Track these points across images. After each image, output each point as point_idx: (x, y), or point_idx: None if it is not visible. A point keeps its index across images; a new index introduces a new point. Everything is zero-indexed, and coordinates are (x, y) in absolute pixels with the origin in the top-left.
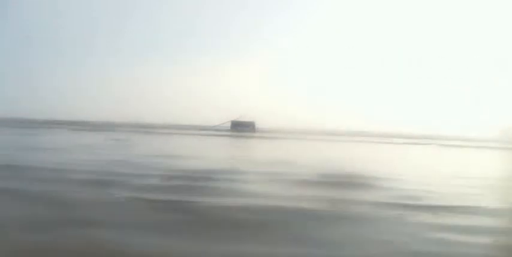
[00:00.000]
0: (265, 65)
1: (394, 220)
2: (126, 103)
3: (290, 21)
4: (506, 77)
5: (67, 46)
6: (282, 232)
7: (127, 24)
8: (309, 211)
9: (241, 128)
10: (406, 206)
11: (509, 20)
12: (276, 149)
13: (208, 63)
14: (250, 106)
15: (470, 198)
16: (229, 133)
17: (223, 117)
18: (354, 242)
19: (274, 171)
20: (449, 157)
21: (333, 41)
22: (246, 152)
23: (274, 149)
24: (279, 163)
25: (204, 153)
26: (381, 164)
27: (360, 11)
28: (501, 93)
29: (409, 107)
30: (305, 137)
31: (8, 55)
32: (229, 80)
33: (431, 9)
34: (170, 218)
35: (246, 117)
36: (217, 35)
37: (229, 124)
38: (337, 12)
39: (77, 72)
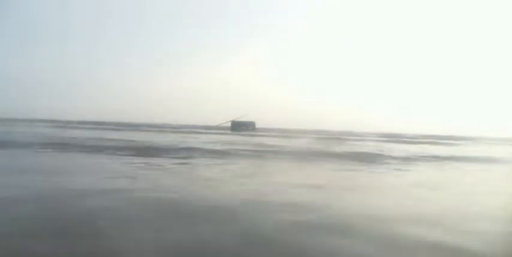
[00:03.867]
0: (264, 65)
1: None
2: (122, 103)
3: (290, 20)
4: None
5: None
6: None
7: (121, 23)
8: None
9: (241, 128)
10: None
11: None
12: None
13: (207, 63)
14: (250, 106)
15: None
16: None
17: (223, 117)
18: None
19: None
20: None
21: (334, 39)
22: None
23: None
24: None
25: None
26: None
27: (361, 8)
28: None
29: (411, 106)
30: (317, 146)
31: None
32: (229, 80)
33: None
34: None
35: (246, 117)
36: (215, 34)
37: (228, 124)
38: (338, 9)
39: (74, 69)
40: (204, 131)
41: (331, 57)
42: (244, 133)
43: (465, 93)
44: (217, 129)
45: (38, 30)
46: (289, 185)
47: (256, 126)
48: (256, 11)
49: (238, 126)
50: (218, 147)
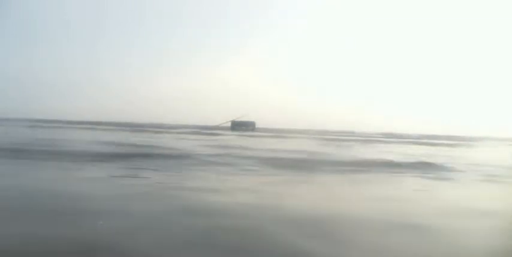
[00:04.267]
0: (264, 65)
1: None
2: (122, 103)
3: (290, 20)
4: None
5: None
6: None
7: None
8: None
9: (241, 128)
10: None
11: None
12: None
13: (207, 63)
14: (250, 106)
15: None
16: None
17: (223, 117)
18: None
19: None
20: None
21: (334, 39)
22: None
23: None
24: None
25: None
26: None
27: (362, 8)
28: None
29: (411, 106)
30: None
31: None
32: (229, 80)
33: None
34: None
35: (246, 117)
36: (215, 34)
37: (229, 124)
38: (338, 9)
39: (74, 69)
40: (203, 131)
41: (331, 57)
42: (245, 133)
43: (464, 93)
44: (218, 129)
45: (38, 30)
46: None
47: (256, 126)
48: (256, 11)
49: (238, 126)
50: (207, 150)
